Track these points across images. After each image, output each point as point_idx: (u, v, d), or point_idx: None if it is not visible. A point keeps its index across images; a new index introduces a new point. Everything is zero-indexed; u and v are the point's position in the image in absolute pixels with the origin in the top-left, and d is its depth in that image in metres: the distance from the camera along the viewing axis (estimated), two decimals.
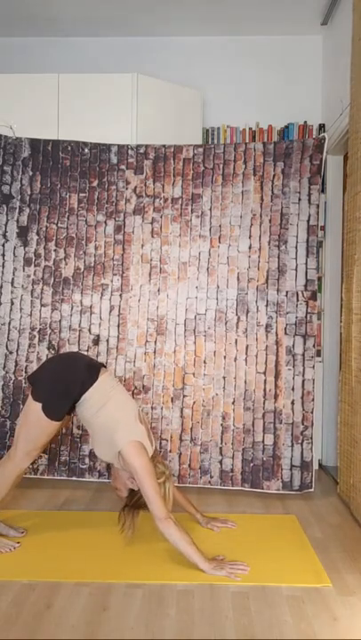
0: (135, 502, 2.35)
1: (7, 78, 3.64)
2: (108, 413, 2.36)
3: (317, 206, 3.26)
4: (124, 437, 2.30)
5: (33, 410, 2.34)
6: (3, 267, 3.35)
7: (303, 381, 3.20)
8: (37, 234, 3.36)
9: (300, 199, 3.28)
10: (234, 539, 2.52)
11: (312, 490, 3.15)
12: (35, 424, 2.35)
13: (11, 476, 2.38)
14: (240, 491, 3.18)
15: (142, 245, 3.34)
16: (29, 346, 3.30)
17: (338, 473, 3.13)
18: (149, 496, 2.21)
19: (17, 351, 3.30)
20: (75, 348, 3.30)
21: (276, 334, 3.23)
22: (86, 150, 3.40)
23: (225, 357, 3.25)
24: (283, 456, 3.17)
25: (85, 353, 3.28)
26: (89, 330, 3.31)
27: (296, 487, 3.15)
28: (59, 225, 3.37)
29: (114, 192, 3.37)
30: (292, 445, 3.17)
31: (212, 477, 3.20)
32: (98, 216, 3.36)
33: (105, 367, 2.55)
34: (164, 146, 3.38)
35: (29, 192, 3.38)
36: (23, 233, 3.36)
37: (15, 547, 2.37)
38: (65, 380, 2.40)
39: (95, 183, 3.38)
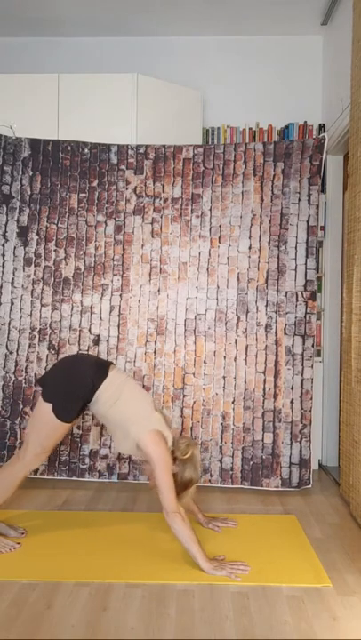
0: (178, 486, 2.27)
1: (7, 78, 3.64)
2: (122, 407, 2.36)
3: (317, 207, 3.26)
4: (140, 428, 2.30)
5: (43, 411, 2.35)
6: (3, 267, 3.35)
7: (302, 381, 3.21)
8: (37, 234, 3.36)
9: (299, 199, 3.28)
10: (234, 539, 2.52)
11: (310, 486, 3.16)
12: (45, 425, 2.36)
13: (18, 476, 2.39)
14: (240, 489, 3.18)
15: (142, 245, 3.34)
16: (29, 346, 3.30)
17: (340, 473, 3.13)
18: (161, 487, 2.21)
19: (17, 351, 3.30)
20: (75, 348, 3.30)
21: (276, 334, 3.24)
22: (86, 150, 3.40)
23: (225, 357, 3.25)
24: (282, 454, 3.18)
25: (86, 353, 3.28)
26: (89, 330, 3.31)
27: (295, 484, 3.16)
28: (59, 225, 3.37)
29: (114, 192, 3.37)
30: (291, 444, 3.18)
31: (212, 476, 3.20)
32: (98, 216, 3.36)
33: (114, 364, 2.55)
34: (164, 146, 3.38)
35: (29, 192, 3.38)
36: (23, 233, 3.36)
37: (15, 547, 2.37)
38: (75, 380, 2.41)
39: (95, 183, 3.38)
